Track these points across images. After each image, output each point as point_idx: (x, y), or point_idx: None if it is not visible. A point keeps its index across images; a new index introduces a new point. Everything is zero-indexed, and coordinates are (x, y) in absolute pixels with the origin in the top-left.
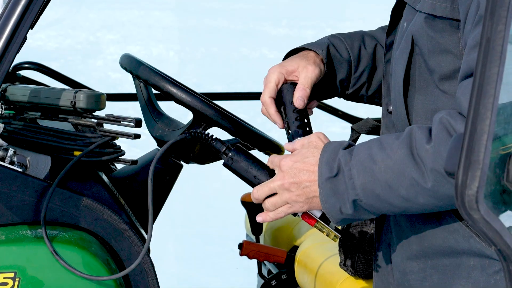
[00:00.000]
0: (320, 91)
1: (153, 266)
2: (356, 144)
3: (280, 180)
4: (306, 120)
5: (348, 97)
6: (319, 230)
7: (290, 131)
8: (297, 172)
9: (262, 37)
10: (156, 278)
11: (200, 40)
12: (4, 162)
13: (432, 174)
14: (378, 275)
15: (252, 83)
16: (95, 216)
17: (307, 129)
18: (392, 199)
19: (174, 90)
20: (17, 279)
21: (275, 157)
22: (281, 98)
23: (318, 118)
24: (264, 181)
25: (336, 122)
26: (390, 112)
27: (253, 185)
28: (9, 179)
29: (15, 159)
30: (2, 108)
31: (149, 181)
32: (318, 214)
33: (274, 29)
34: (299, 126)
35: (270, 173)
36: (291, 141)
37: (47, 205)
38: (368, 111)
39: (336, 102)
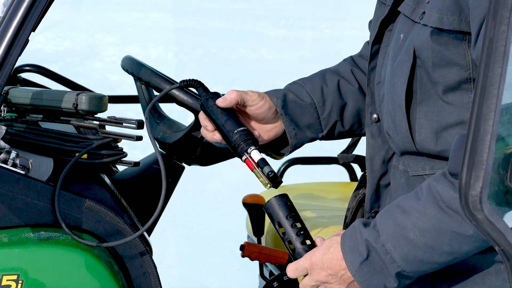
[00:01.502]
0: (292, 139)
1: (155, 267)
2: (374, 220)
3: (317, 276)
4: (307, 234)
5: (326, 138)
6: (256, 175)
7: (294, 248)
8: (328, 264)
9: (261, 38)
10: (159, 280)
11: (199, 41)
12: (7, 164)
13: None
14: None
15: (251, 84)
16: (98, 218)
17: (310, 243)
18: (436, 258)
19: (175, 91)
20: (20, 281)
21: (296, 263)
22: (274, 213)
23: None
24: (232, 135)
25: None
26: (376, 121)
27: (222, 133)
28: (11, 182)
29: (17, 161)
30: (4, 111)
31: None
32: (257, 158)
33: (272, 30)
34: (302, 242)
35: (238, 123)
36: (296, 258)
37: (59, 208)
38: None
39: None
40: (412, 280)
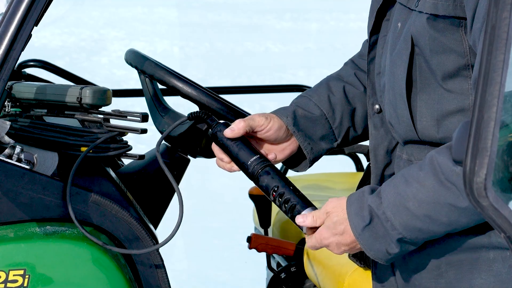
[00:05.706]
0: (308, 153)
1: (162, 261)
2: (380, 186)
3: (336, 251)
4: (299, 192)
5: (341, 145)
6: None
7: (291, 210)
8: (339, 244)
9: (266, 31)
10: (166, 273)
11: (204, 35)
12: (12, 159)
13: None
14: (378, 278)
15: (257, 77)
16: (104, 211)
17: (306, 199)
18: (435, 228)
19: (179, 84)
20: (27, 276)
21: (312, 240)
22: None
23: None
24: (247, 166)
25: None
26: (378, 112)
27: (238, 163)
28: (16, 177)
29: (22, 156)
30: (8, 106)
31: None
32: None
33: (278, 23)
34: (296, 204)
35: (252, 151)
36: (295, 215)
37: (72, 205)
38: None
39: None
40: (416, 246)
